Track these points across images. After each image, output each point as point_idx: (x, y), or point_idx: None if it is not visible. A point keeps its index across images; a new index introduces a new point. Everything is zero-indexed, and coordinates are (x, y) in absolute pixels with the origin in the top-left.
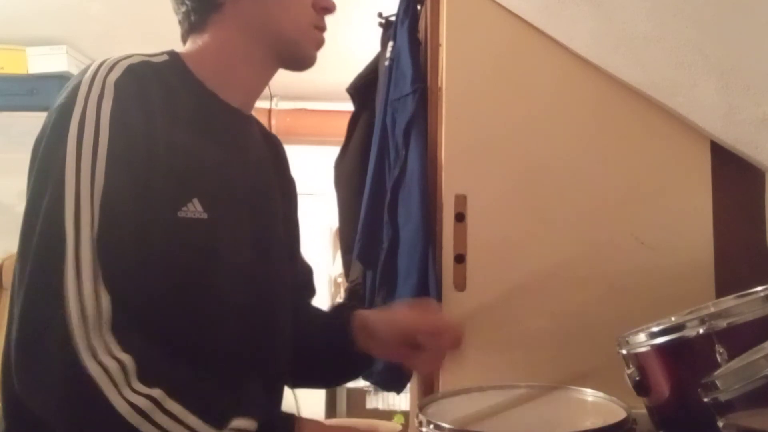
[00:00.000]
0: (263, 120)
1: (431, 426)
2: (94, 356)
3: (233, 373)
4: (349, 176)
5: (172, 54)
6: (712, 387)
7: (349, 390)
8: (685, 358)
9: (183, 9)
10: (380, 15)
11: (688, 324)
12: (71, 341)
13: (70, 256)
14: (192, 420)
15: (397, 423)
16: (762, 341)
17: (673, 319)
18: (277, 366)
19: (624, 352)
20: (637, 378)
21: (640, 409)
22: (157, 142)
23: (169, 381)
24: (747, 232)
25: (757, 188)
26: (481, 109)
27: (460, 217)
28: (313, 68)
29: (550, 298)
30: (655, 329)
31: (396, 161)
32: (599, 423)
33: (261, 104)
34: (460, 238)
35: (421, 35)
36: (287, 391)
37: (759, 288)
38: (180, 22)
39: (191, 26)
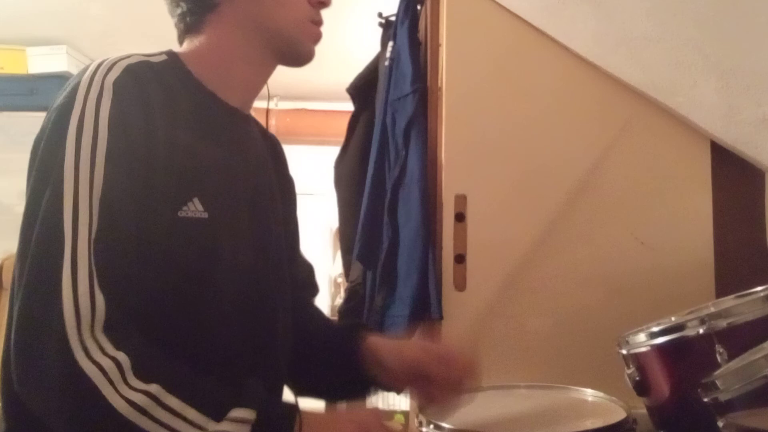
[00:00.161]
0: (263, 120)
1: (431, 426)
2: (89, 356)
3: (232, 371)
4: (349, 176)
5: (171, 54)
6: (712, 387)
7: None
8: (685, 358)
9: (179, 11)
10: (380, 15)
11: (688, 324)
12: (66, 342)
13: (67, 256)
14: (191, 413)
15: (397, 423)
16: (762, 341)
17: (673, 319)
18: (277, 365)
19: (624, 352)
20: (637, 378)
21: (640, 409)
22: (156, 141)
23: (166, 376)
24: (747, 232)
25: (757, 188)
26: (481, 109)
27: (460, 217)
28: (313, 68)
29: (550, 298)
30: (655, 329)
31: (396, 161)
32: (599, 423)
33: (260, 104)
34: (460, 238)
35: (421, 35)
36: (287, 392)
37: (759, 288)
38: (176, 24)
39: (187, 27)
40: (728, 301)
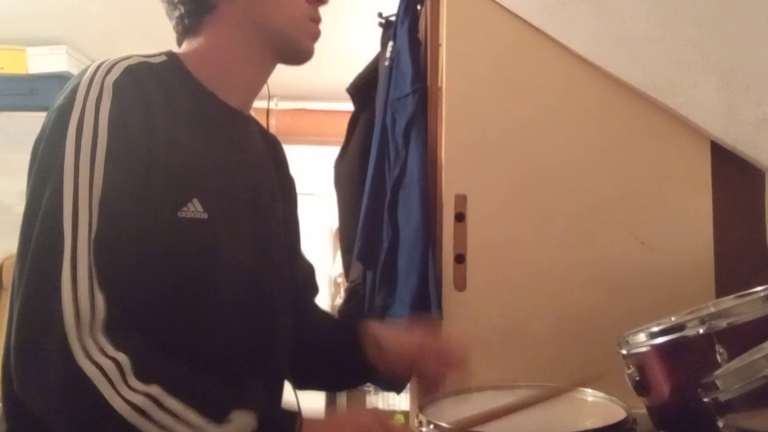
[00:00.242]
0: (262, 120)
1: (431, 426)
2: (89, 356)
3: (232, 371)
4: (349, 176)
5: (170, 55)
6: (712, 387)
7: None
8: (685, 358)
9: (176, 13)
10: (380, 15)
11: (688, 324)
12: (66, 343)
13: (67, 256)
14: (191, 416)
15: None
16: (762, 341)
17: (673, 319)
18: (277, 365)
19: (624, 352)
20: (637, 378)
21: (640, 409)
22: (156, 142)
23: (166, 377)
24: (747, 232)
25: (757, 188)
26: (481, 109)
27: (460, 217)
28: (313, 68)
29: (550, 298)
30: (655, 329)
31: (396, 161)
32: (599, 423)
33: (260, 104)
34: (460, 238)
35: (421, 35)
36: (288, 391)
37: (759, 288)
38: (174, 26)
39: (186, 29)
40: (728, 301)
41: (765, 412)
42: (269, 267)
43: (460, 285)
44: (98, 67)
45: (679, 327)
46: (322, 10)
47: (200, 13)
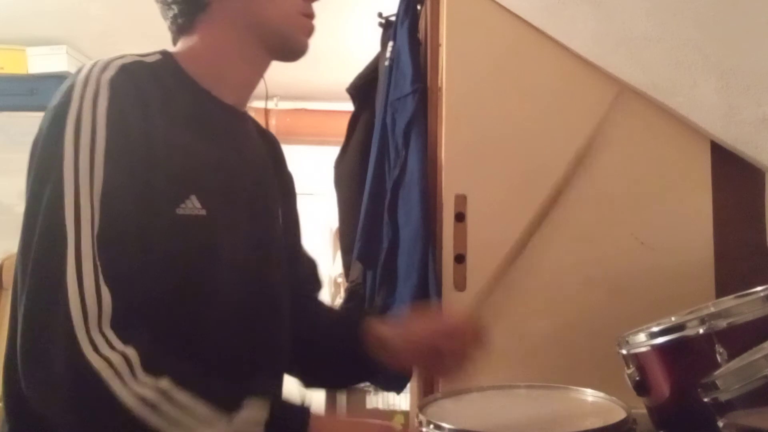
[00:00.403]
0: (262, 120)
1: (431, 426)
2: (97, 351)
3: (234, 367)
4: (349, 176)
5: (165, 54)
6: (712, 387)
7: (349, 390)
8: (685, 358)
9: (170, 13)
10: (380, 15)
11: (688, 324)
12: (74, 338)
13: (71, 253)
14: (201, 408)
15: (397, 423)
16: (762, 341)
17: (673, 319)
18: (277, 362)
19: (624, 352)
20: (637, 378)
21: (640, 409)
22: (154, 138)
23: (176, 371)
24: (747, 232)
25: (757, 188)
26: (481, 109)
27: (460, 217)
28: (313, 68)
29: (550, 298)
30: (655, 329)
31: (396, 161)
32: (599, 423)
33: (260, 104)
34: (460, 238)
35: (421, 35)
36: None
37: (759, 288)
38: (169, 26)
39: (180, 29)
40: (728, 301)
41: (765, 412)
42: (268, 264)
43: (460, 285)
44: (93, 65)
45: (679, 327)
46: (323, 11)
47: (193, 12)
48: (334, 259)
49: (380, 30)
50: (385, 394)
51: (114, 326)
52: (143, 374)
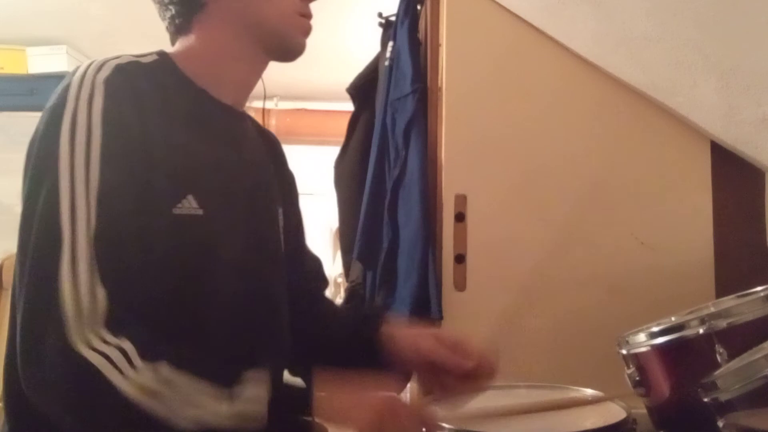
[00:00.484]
0: (262, 120)
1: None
2: (92, 347)
3: (233, 365)
4: (349, 176)
5: (162, 54)
6: (712, 387)
7: None
8: (685, 358)
9: (168, 14)
10: (380, 15)
11: (688, 324)
12: (68, 337)
13: (66, 253)
14: (204, 388)
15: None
16: (762, 341)
17: (673, 319)
18: (276, 361)
19: (624, 352)
20: (637, 378)
21: (640, 409)
22: (150, 138)
23: (173, 355)
24: (747, 232)
25: (757, 188)
26: (481, 109)
27: (460, 217)
28: (313, 68)
29: (550, 298)
30: (655, 329)
31: (396, 161)
32: (599, 423)
33: (260, 104)
34: (460, 238)
35: (421, 35)
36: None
37: (759, 288)
38: (167, 27)
39: (177, 29)
40: (728, 301)
41: (765, 412)
42: (267, 263)
43: (460, 285)
44: (89, 66)
45: (679, 327)
46: (323, 10)
47: (190, 13)
48: (334, 259)
49: (380, 30)
50: None
51: (108, 324)
52: (141, 363)
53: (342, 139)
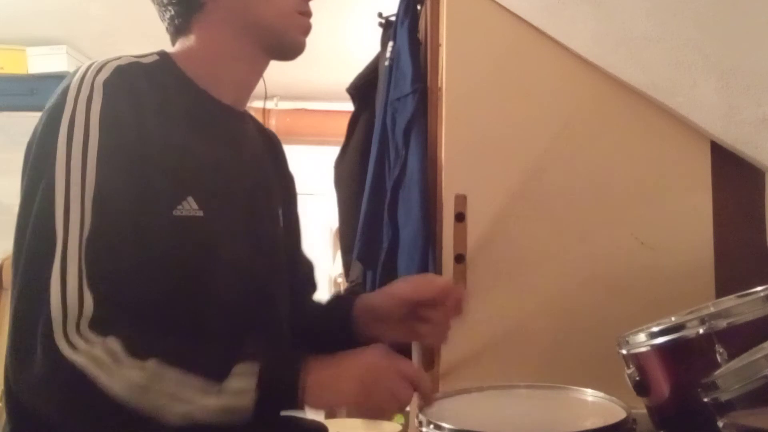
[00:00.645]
0: (262, 120)
1: (431, 426)
2: (77, 350)
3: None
4: (349, 176)
5: (162, 54)
6: (712, 387)
7: None
8: (685, 358)
9: (167, 15)
10: (380, 15)
11: (688, 324)
12: (53, 340)
13: (58, 255)
14: (193, 381)
15: (397, 423)
16: (762, 341)
17: (673, 319)
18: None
19: (624, 352)
20: (637, 378)
21: (640, 409)
22: (149, 140)
23: (161, 350)
24: (747, 232)
25: (757, 188)
26: (481, 109)
27: (460, 217)
28: (313, 68)
29: (550, 298)
30: (655, 329)
31: (396, 161)
32: (599, 423)
33: (260, 104)
34: (460, 238)
35: (421, 35)
36: None
37: (759, 288)
38: (166, 28)
39: (177, 30)
40: (728, 301)
41: (765, 412)
42: (267, 264)
43: (460, 285)
44: (88, 67)
45: (679, 327)
46: (323, 10)
47: (189, 13)
48: (334, 259)
49: (380, 30)
50: None
51: (92, 327)
52: (129, 360)
53: (342, 139)
